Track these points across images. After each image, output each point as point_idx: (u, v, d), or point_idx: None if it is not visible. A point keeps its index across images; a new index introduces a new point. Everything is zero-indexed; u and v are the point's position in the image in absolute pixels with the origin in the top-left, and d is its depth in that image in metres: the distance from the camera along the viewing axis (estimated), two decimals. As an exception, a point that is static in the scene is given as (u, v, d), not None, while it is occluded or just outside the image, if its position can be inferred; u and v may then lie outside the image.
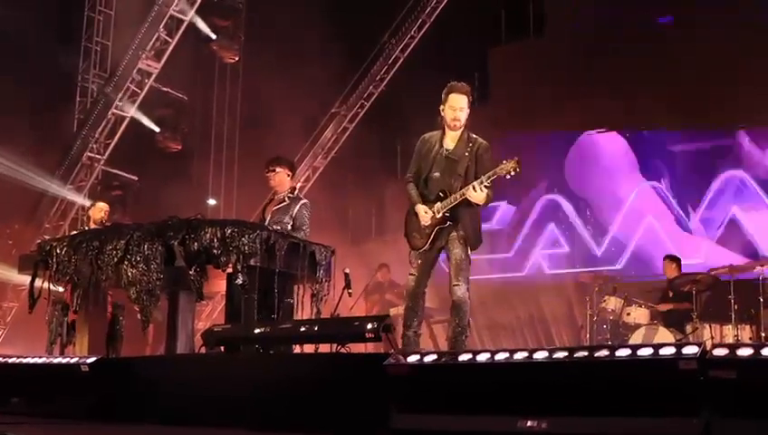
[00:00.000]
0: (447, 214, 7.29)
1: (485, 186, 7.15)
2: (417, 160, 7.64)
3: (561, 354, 3.70)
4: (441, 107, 7.50)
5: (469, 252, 7.35)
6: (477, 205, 7.28)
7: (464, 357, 3.91)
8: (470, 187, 7.18)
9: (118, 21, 17.48)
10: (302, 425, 4.60)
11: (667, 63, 14.87)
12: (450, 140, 7.49)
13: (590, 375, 3.64)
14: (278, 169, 9.12)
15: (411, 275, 7.52)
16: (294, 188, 9.49)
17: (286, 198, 9.03)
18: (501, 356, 3.83)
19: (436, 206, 7.34)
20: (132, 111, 16.21)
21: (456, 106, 7.38)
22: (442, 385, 4.00)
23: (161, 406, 5.43)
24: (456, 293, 7.21)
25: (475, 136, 7.48)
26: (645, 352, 3.58)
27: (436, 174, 7.45)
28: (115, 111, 16.06)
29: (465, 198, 7.21)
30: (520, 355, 3.78)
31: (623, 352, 3.61)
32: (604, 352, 3.65)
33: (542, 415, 3.70)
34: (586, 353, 3.63)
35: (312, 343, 5.75)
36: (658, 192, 15.36)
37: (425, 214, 7.34)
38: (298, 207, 8.93)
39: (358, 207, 17.83)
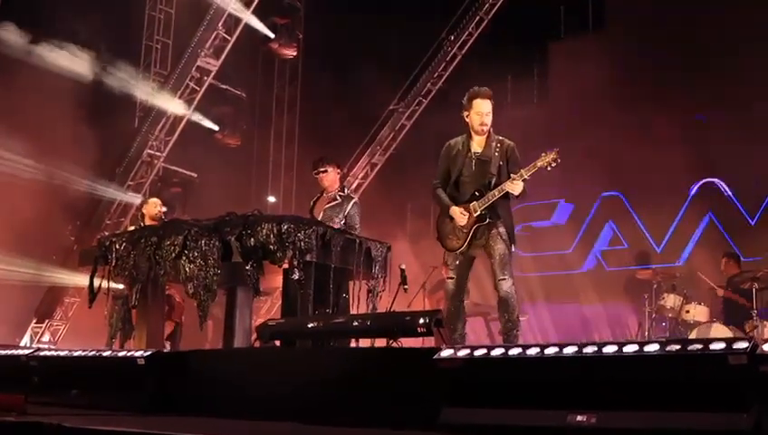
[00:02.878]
0: (485, 211, 7.32)
1: (525, 178, 7.22)
2: (444, 166, 7.74)
3: (610, 349, 3.67)
4: (465, 113, 7.62)
5: (512, 247, 7.38)
6: (513, 198, 7.42)
7: (514, 351, 3.91)
8: (510, 180, 7.24)
9: (178, 19, 17.66)
10: (354, 418, 4.63)
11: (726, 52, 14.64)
12: (477, 144, 7.63)
13: (639, 370, 3.61)
14: (328, 169, 9.20)
15: (450, 278, 7.59)
16: (344, 186, 9.54)
17: (337, 196, 9.09)
18: (551, 350, 3.81)
19: (472, 205, 7.40)
20: (189, 113, 16.36)
21: (483, 111, 7.51)
22: (492, 379, 4.00)
23: (216, 399, 5.47)
24: (503, 287, 7.26)
25: (500, 137, 7.63)
26: (695, 346, 3.54)
27: (468, 177, 7.58)
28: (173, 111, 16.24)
29: (501, 196, 7.30)
30: (570, 350, 3.77)
31: (673, 347, 3.58)
32: (654, 347, 3.61)
33: (591, 409, 3.69)
34: (636, 348, 3.61)
35: (363, 337, 5.78)
36: (719, 186, 15.12)
37: (461, 214, 7.43)
38: (350, 205, 8.99)
39: (416, 203, 17.82)
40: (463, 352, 4.05)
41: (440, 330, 4.80)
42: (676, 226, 15.31)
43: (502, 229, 7.36)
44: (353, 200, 9.20)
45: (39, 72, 14.62)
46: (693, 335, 11.06)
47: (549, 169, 7.25)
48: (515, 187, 7.25)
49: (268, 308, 17.41)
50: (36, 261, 15.60)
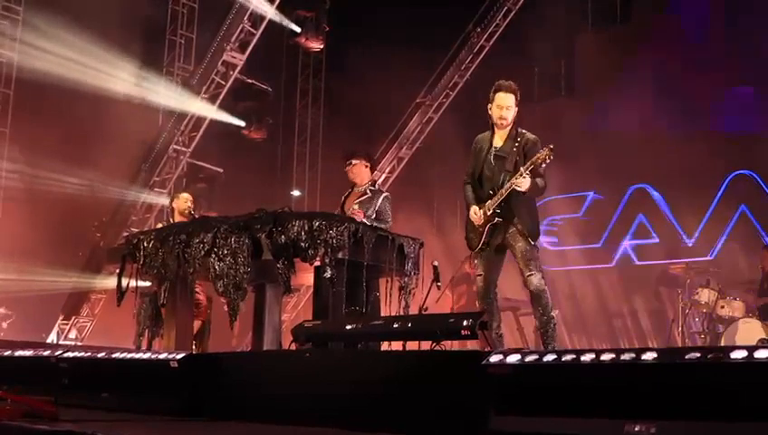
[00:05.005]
0: (498, 210, 7.20)
1: (524, 175, 7.06)
2: (472, 161, 7.61)
3: (670, 356, 3.50)
4: (489, 105, 7.46)
5: (533, 242, 7.24)
6: (531, 196, 7.27)
7: (567, 357, 3.74)
8: (513, 179, 7.12)
9: (201, 13, 17.57)
10: (395, 425, 4.47)
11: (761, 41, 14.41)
12: (499, 139, 7.48)
13: (701, 378, 3.43)
14: (355, 162, 9.05)
15: (479, 275, 7.45)
16: (375, 181, 9.40)
17: (368, 191, 8.96)
18: (606, 357, 3.64)
19: (486, 204, 7.29)
20: (214, 112, 16.29)
21: (503, 105, 7.35)
22: (544, 386, 3.83)
23: (250, 403, 5.35)
24: (533, 282, 7.14)
25: (523, 131, 7.45)
26: (762, 354, 3.36)
27: (488, 173, 7.44)
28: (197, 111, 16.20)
29: (516, 192, 7.14)
30: (627, 356, 3.59)
31: (738, 355, 3.39)
32: (717, 355, 3.44)
33: (649, 418, 3.51)
34: (698, 355, 3.43)
35: (405, 339, 5.61)
36: (753, 178, 14.90)
37: (474, 214, 7.33)
38: (381, 199, 8.85)
39: (443, 197, 17.68)
40: (513, 358, 3.88)
41: (485, 332, 4.64)
42: (708, 218, 15.10)
43: (520, 226, 7.22)
44: (384, 194, 9.06)
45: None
46: (733, 333, 10.93)
47: (544, 165, 7.11)
48: (520, 183, 7.09)
49: (294, 304, 17.34)
50: (63, 266, 15.66)
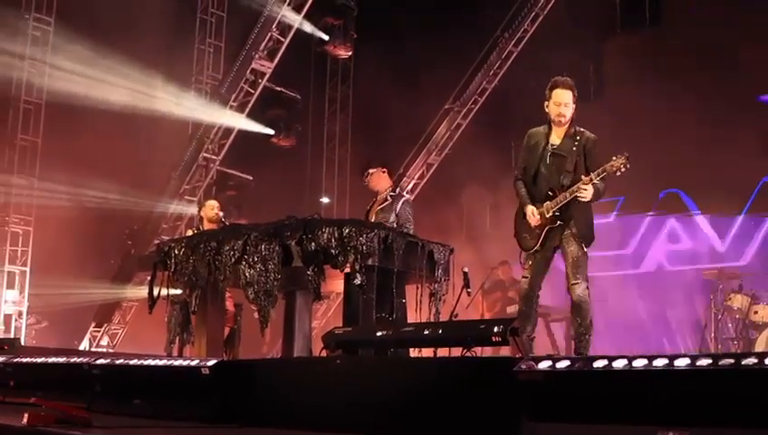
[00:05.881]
0: (558, 213, 7.12)
1: (595, 183, 6.96)
2: (525, 157, 7.51)
3: (704, 362, 3.46)
4: (546, 103, 7.32)
5: (585, 248, 7.15)
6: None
7: (599, 363, 3.71)
8: (579, 185, 7.00)
9: (229, 22, 17.65)
10: (426, 432, 4.47)
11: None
12: (556, 136, 7.33)
13: (737, 385, 3.38)
14: (371, 171, 9.11)
15: (524, 277, 7.40)
16: (395, 186, 9.43)
17: (388, 197, 9.02)
18: (638, 363, 3.61)
19: (545, 205, 7.18)
20: (243, 121, 16.36)
21: (561, 102, 7.21)
22: (576, 392, 3.80)
23: (282, 410, 5.35)
24: (576, 291, 7.06)
25: (581, 130, 7.31)
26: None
27: (544, 171, 7.31)
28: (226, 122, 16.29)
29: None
30: (660, 362, 3.56)
31: (776, 361, 3.35)
32: (752, 360, 3.40)
33: (683, 425, 3.48)
34: (732, 361, 3.39)
35: (436, 346, 5.60)
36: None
37: (533, 215, 7.21)
38: (401, 204, 8.90)
39: (472, 203, 17.63)
40: (545, 364, 3.86)
41: (516, 339, 4.62)
42: (740, 223, 14.97)
43: (575, 230, 7.11)
44: (404, 198, 9.11)
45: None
46: (765, 339, 10.81)
47: (618, 173, 7.00)
48: (585, 194, 7.00)
49: (324, 311, 17.36)
50: (96, 278, 15.82)
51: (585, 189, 6.99)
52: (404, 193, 9.74)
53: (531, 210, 7.24)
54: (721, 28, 15.42)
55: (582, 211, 7.19)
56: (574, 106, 7.26)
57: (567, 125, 7.29)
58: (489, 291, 13.93)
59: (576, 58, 16.57)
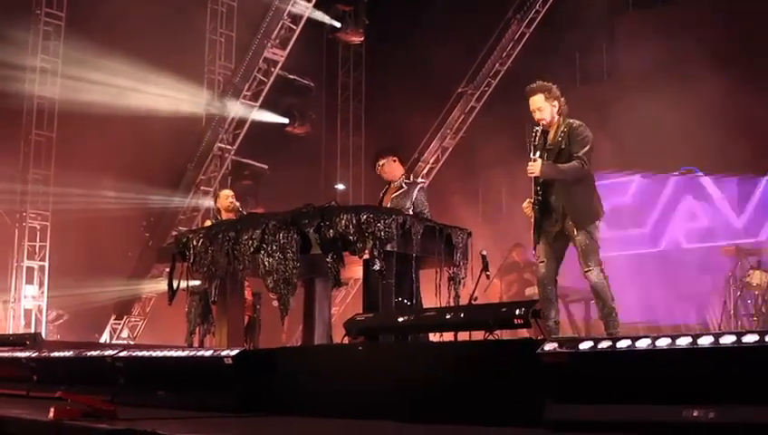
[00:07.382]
0: (540, 199, 7.37)
1: (534, 159, 7.30)
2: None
3: (728, 340, 3.44)
4: None
5: (592, 232, 7.22)
6: (575, 181, 7.37)
7: (622, 344, 3.70)
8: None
9: (240, 11, 17.63)
10: (450, 416, 4.47)
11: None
12: (552, 133, 7.59)
13: (762, 361, 3.37)
14: (382, 161, 9.13)
15: (541, 262, 7.48)
16: (408, 173, 9.46)
17: (403, 184, 9.04)
18: (662, 342, 3.60)
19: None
20: (256, 111, 16.37)
21: (533, 108, 7.53)
22: (600, 373, 3.79)
23: (306, 398, 5.36)
24: (591, 278, 7.26)
25: (570, 121, 7.54)
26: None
27: None
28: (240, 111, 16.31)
29: (560, 182, 7.37)
30: (683, 341, 3.54)
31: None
32: (776, 336, 3.38)
33: (708, 403, 3.46)
34: (756, 338, 3.38)
35: (458, 330, 5.60)
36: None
37: (524, 207, 7.52)
38: (416, 191, 8.92)
39: (488, 186, 17.62)
40: (568, 346, 3.86)
41: (538, 321, 4.62)
42: (757, 199, 14.90)
43: (573, 218, 7.39)
44: (419, 185, 9.13)
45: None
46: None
47: (535, 141, 7.43)
48: (531, 168, 7.31)
49: (342, 297, 17.38)
50: (114, 274, 15.91)
51: (529, 165, 7.31)
52: (418, 180, 9.75)
53: (526, 201, 7.51)
54: (734, 2, 15.36)
55: (576, 196, 7.43)
56: (552, 105, 7.51)
57: (557, 122, 7.55)
58: (505, 273, 13.95)
59: (588, 37, 16.54)
